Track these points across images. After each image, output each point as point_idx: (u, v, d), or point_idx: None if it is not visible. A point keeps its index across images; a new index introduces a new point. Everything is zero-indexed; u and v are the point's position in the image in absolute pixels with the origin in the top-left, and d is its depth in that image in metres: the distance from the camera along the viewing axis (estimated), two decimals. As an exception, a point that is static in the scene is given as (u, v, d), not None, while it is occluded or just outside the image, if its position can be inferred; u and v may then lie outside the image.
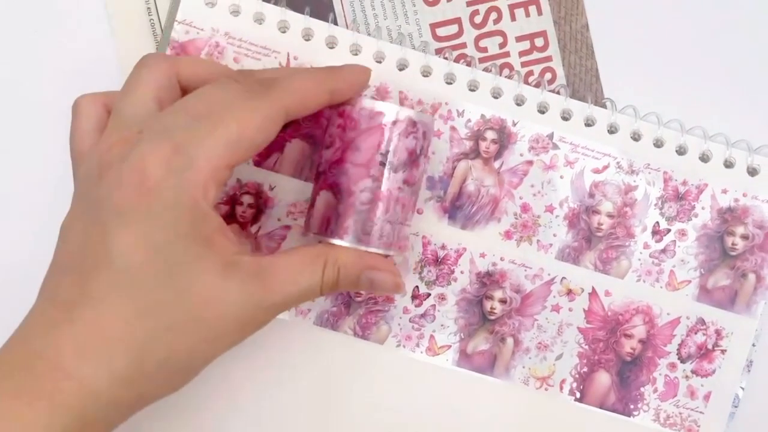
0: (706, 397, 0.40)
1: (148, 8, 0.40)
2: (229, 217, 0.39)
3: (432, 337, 0.40)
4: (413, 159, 0.35)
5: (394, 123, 0.34)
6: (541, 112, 0.40)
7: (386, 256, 0.35)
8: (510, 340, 0.40)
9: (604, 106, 0.40)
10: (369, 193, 0.34)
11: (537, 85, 0.40)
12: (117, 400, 0.29)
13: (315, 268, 0.33)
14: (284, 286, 0.32)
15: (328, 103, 0.34)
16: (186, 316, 0.30)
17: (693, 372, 0.40)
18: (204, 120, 0.31)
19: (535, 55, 0.41)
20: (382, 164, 0.34)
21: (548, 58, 0.41)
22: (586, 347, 0.40)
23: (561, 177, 0.40)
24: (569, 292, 0.40)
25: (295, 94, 0.32)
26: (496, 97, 0.40)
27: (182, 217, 0.30)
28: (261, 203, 0.39)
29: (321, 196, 0.35)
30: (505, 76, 0.40)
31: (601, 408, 0.40)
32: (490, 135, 0.40)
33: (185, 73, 0.34)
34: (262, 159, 0.39)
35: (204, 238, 0.30)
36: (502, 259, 0.40)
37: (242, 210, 0.39)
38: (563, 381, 0.40)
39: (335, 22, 0.40)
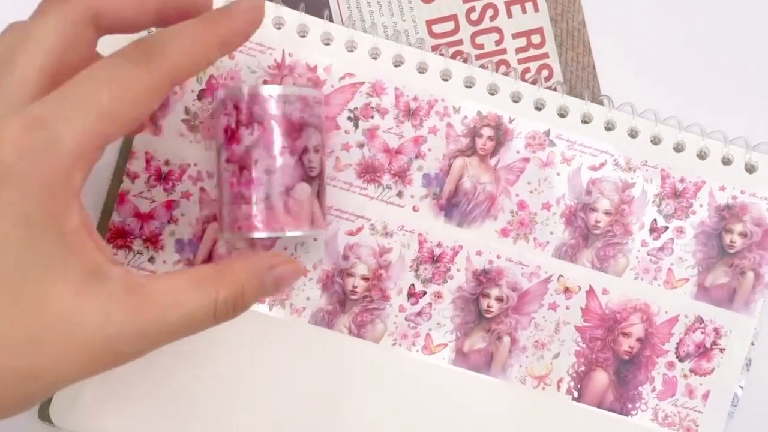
0: (705, 396, 0.40)
1: (143, 4, 0.40)
2: (224, 215, 0.39)
3: (428, 335, 0.40)
4: (229, 136, 0.34)
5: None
6: (538, 109, 0.40)
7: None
8: (507, 339, 0.40)
9: (601, 103, 0.40)
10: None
11: (534, 82, 0.40)
12: None
13: (205, 289, 0.28)
14: (162, 311, 0.27)
15: (220, 56, 0.30)
16: (24, 332, 0.25)
17: (691, 371, 0.40)
18: (70, 93, 0.26)
19: (532, 52, 0.41)
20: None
21: (545, 55, 0.41)
22: (584, 346, 0.40)
23: (558, 174, 0.40)
24: (566, 290, 0.40)
25: (180, 60, 0.28)
26: (492, 94, 0.39)
27: (36, 205, 0.25)
28: (256, 200, 0.39)
29: None
30: (502, 73, 0.40)
31: (598, 407, 0.40)
32: (487, 132, 0.39)
33: (107, 12, 0.29)
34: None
35: (63, 234, 0.25)
36: (498, 257, 0.40)
37: (237, 207, 0.39)
38: (561, 380, 0.40)
39: (330, 19, 0.40)
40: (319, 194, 0.35)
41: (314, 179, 0.35)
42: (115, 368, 0.27)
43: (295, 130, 0.34)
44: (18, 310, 0.25)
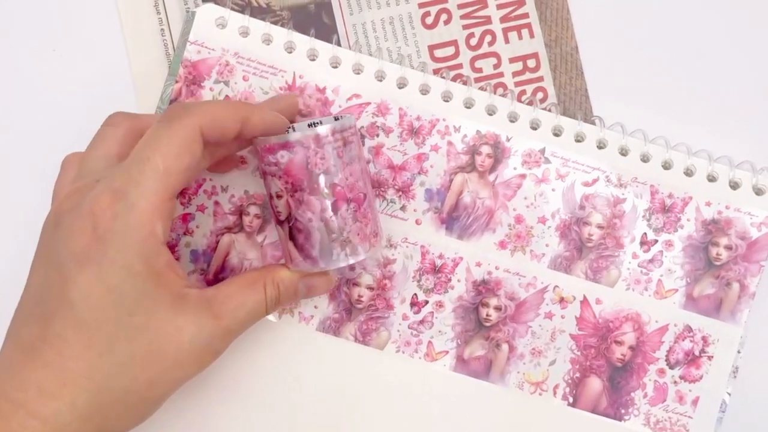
0: (695, 402, 0.42)
1: (162, 29, 0.43)
2: (237, 227, 0.41)
3: (430, 343, 0.42)
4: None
5: None
6: (534, 128, 0.42)
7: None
8: (505, 346, 0.42)
9: (593, 123, 0.42)
10: None
11: (530, 103, 0.42)
12: None
13: (256, 289, 0.36)
14: (233, 312, 0.34)
15: (240, 131, 0.35)
16: (143, 350, 0.32)
17: (681, 377, 0.42)
18: (135, 164, 0.32)
19: (528, 76, 0.44)
20: None
21: (540, 79, 0.44)
22: (579, 353, 0.42)
23: (553, 190, 0.42)
24: (561, 300, 0.42)
25: (206, 116, 0.34)
26: (490, 114, 0.42)
27: (134, 257, 0.32)
28: (267, 214, 0.41)
29: None
30: (500, 95, 0.42)
31: (593, 413, 0.42)
32: (486, 149, 0.42)
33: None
34: (268, 172, 0.41)
35: (156, 273, 0.32)
36: (497, 268, 0.42)
37: (249, 220, 0.41)
38: (556, 386, 0.42)
39: (339, 44, 0.42)
40: (292, 234, 0.36)
41: (283, 223, 0.36)
42: None
43: (264, 179, 0.37)
44: (136, 335, 0.32)
